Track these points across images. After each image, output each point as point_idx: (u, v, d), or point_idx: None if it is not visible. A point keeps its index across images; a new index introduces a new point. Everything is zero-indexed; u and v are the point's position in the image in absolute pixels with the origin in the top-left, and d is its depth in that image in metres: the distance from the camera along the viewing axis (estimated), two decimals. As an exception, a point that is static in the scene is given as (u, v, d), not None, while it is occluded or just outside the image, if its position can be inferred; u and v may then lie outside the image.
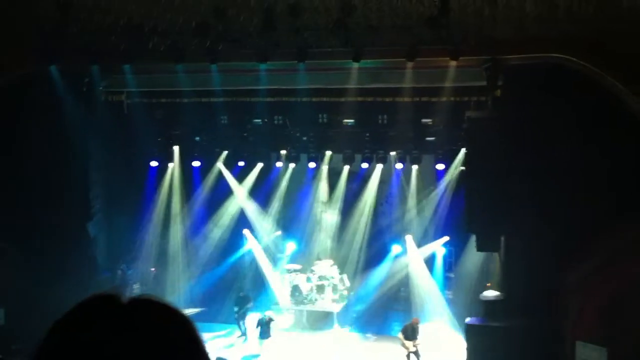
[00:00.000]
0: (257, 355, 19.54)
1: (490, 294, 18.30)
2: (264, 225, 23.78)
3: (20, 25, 16.20)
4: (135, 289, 23.11)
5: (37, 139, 18.65)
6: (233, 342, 20.97)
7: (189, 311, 22.80)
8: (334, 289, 22.63)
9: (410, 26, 13.99)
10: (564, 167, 15.47)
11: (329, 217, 23.72)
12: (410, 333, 18.44)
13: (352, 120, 19.36)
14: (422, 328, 18.93)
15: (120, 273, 22.75)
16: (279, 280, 23.40)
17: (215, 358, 18.13)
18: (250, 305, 21.11)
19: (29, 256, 19.46)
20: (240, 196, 23.45)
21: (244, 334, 21.08)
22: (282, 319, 22.12)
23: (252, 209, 23.60)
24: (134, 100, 19.82)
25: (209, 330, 21.76)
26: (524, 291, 16.83)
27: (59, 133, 18.64)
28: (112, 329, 1.83)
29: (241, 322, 21.15)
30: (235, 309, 21.28)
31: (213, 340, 20.96)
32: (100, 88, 19.48)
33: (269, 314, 19.90)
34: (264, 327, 19.46)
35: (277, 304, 22.81)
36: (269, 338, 19.47)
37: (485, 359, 17.03)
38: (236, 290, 22.32)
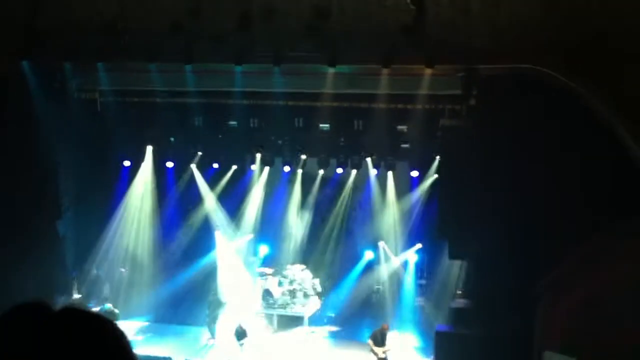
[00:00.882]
0: (225, 359, 19.41)
1: (460, 301, 18.37)
2: (237, 228, 23.63)
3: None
4: (105, 290, 22.90)
5: (6, 135, 18.35)
6: (202, 345, 20.80)
7: (159, 313, 22.71)
8: (305, 293, 22.57)
9: (386, 33, 13.96)
10: (536, 176, 15.53)
11: (303, 221, 23.65)
12: (380, 339, 18.47)
13: (327, 125, 19.31)
14: (391, 335, 18.96)
15: (93, 273, 22.53)
16: (250, 284, 23.27)
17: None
18: (222, 309, 20.95)
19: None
20: (213, 198, 23.30)
21: (213, 337, 20.91)
22: (252, 322, 22.00)
23: (224, 211, 23.45)
24: (108, 99, 19.54)
25: (180, 333, 21.63)
26: (493, 300, 16.88)
27: (29, 130, 18.35)
28: (40, 339, 1.82)
29: (212, 326, 20.99)
30: (207, 311, 21.09)
31: (183, 342, 20.83)
32: (73, 86, 19.20)
33: (242, 324, 19.75)
34: (239, 335, 19.37)
35: (248, 307, 22.68)
36: (242, 343, 19.37)
37: (452, 366, 17.05)
38: (207, 293, 22.16)
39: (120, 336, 1.98)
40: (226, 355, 19.54)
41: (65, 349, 1.82)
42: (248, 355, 19.44)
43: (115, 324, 2.01)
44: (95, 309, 21.25)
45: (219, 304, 21.03)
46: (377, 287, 22.80)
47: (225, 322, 20.45)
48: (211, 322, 21.00)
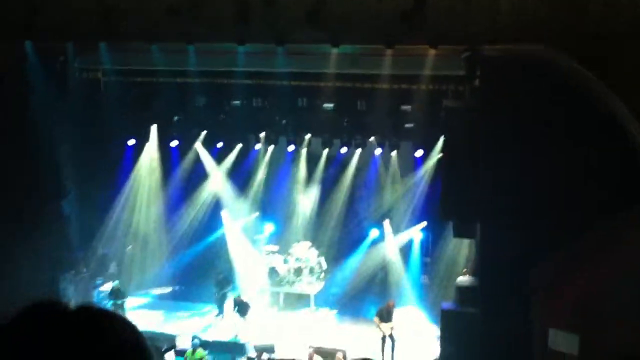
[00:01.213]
0: (233, 336, 19.58)
1: (466, 279, 18.38)
2: (242, 206, 23.68)
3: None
4: (112, 268, 23.09)
5: (8, 115, 18.35)
6: (210, 322, 20.98)
7: (166, 291, 22.91)
8: (311, 271, 22.67)
9: (387, 15, 13.78)
10: (540, 157, 15.44)
11: (307, 200, 23.67)
12: (386, 316, 18.56)
13: (331, 105, 19.22)
14: (397, 311, 19.04)
15: (99, 251, 22.69)
16: (256, 262, 23.38)
17: (191, 336, 18.23)
18: (230, 287, 21.09)
19: (3, 233, 19.29)
20: (218, 177, 23.32)
21: (220, 313, 21.08)
22: (258, 299, 22.17)
23: (230, 190, 23.48)
24: (110, 79, 19.55)
25: (187, 309, 21.84)
26: (498, 278, 16.86)
27: (32, 110, 18.35)
28: (56, 338, 1.82)
29: (221, 303, 21.17)
30: (215, 290, 21.23)
31: (191, 319, 21.04)
32: (76, 65, 19.14)
33: (239, 297, 20.02)
34: (241, 308, 19.56)
35: (254, 284, 22.82)
36: (246, 317, 19.58)
37: (459, 344, 17.10)
38: (215, 271, 22.28)
39: (137, 335, 1.97)
40: (234, 331, 19.70)
41: (80, 348, 1.82)
42: (254, 332, 19.58)
43: (131, 323, 2.01)
44: (105, 286, 21.55)
45: (227, 283, 21.17)
46: (382, 265, 22.84)
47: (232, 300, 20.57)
48: (220, 300, 21.13)
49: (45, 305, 1.94)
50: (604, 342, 14.29)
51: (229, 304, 20.85)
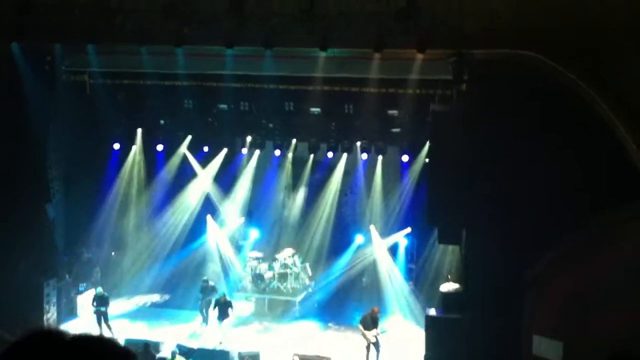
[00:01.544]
0: (217, 343, 19.40)
1: (450, 286, 18.41)
2: (228, 212, 23.59)
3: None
4: (96, 273, 22.87)
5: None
6: (195, 330, 20.78)
7: (151, 297, 22.71)
8: (296, 277, 22.62)
9: (378, 18, 13.91)
10: (527, 163, 15.56)
11: (293, 205, 23.63)
12: (370, 323, 18.45)
13: (318, 109, 19.26)
14: (388, 319, 18.98)
15: (84, 256, 22.48)
16: (240, 268, 23.29)
17: (175, 345, 18.06)
18: (215, 294, 20.92)
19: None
20: (204, 181, 23.24)
21: (205, 320, 20.92)
22: (244, 306, 22.06)
23: (215, 194, 23.40)
24: (97, 81, 19.44)
25: (171, 316, 21.63)
26: (483, 284, 16.94)
27: (18, 112, 18.23)
28: None
29: (204, 310, 20.98)
30: (200, 296, 21.10)
31: (175, 326, 20.84)
32: (63, 67, 19.05)
33: (223, 296, 19.79)
34: (221, 309, 19.40)
35: (239, 291, 22.71)
36: (228, 319, 19.39)
37: (443, 351, 17.11)
38: (200, 277, 22.14)
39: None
40: (218, 339, 19.53)
41: None
42: (239, 339, 19.44)
43: (128, 350, 2.10)
44: (88, 292, 21.34)
45: (211, 289, 20.97)
46: (367, 271, 22.81)
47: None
48: (204, 307, 20.97)
49: (42, 335, 1.97)
50: (588, 341, 14.40)
51: (213, 310, 20.70)
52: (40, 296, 19.62)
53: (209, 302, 20.76)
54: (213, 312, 19.88)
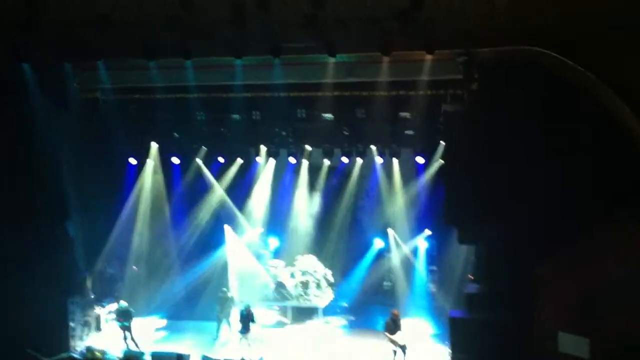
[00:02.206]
0: (240, 357, 19.31)
1: (473, 286, 18.27)
2: (246, 221, 23.60)
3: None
4: (119, 289, 23.00)
5: (9, 138, 18.41)
6: (219, 341, 20.75)
7: (173, 310, 22.76)
8: (318, 284, 22.58)
9: (383, 20, 13.82)
10: (541, 160, 15.40)
11: (311, 212, 23.58)
12: (393, 326, 18.33)
13: (330, 115, 19.20)
14: (403, 321, 18.82)
15: (107, 272, 22.62)
16: (262, 277, 23.28)
17: (200, 357, 18.08)
18: (233, 305, 20.88)
19: (8, 258, 19.26)
20: (220, 192, 23.27)
21: (218, 332, 20.85)
22: (266, 314, 22.03)
23: (232, 205, 23.43)
24: (109, 97, 19.54)
25: (195, 329, 21.64)
26: (505, 283, 16.80)
27: (33, 132, 18.37)
28: None
29: (224, 321, 20.94)
30: (218, 307, 21.07)
31: (198, 338, 20.85)
32: (75, 85, 19.16)
33: (248, 308, 19.66)
34: (244, 321, 19.32)
35: (261, 300, 22.68)
36: (249, 333, 19.31)
37: (468, 352, 17.01)
38: (217, 288, 22.15)
39: None
40: (241, 350, 19.47)
41: None
42: (263, 348, 19.39)
43: None
44: (112, 308, 21.47)
45: (229, 300, 20.95)
46: (388, 275, 22.71)
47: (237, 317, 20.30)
48: (223, 319, 20.94)
49: None
50: (612, 336, 14.22)
51: (233, 319, 20.65)
52: (64, 313, 19.76)
53: (228, 314, 20.70)
54: (236, 325, 19.81)
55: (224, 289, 21.35)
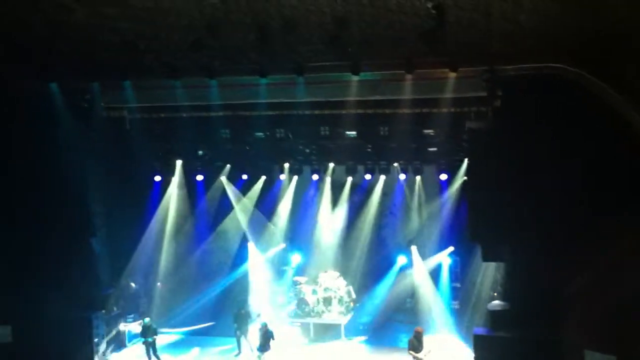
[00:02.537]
0: None
1: (497, 304, 18.18)
2: (269, 238, 23.70)
3: (18, 42, 16.20)
4: (143, 304, 23.17)
5: (37, 157, 18.66)
6: (238, 356, 20.78)
7: (197, 326, 22.83)
8: (340, 300, 22.59)
9: (407, 39, 13.90)
10: (565, 176, 15.34)
11: (334, 228, 23.63)
12: (417, 344, 18.22)
13: (353, 132, 19.28)
14: (427, 338, 18.71)
15: (131, 287, 22.79)
16: (284, 294, 23.32)
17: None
18: (250, 322, 20.84)
19: (34, 274, 19.48)
20: (244, 210, 23.40)
21: (239, 348, 20.81)
22: (288, 331, 22.04)
23: (255, 222, 23.54)
24: (135, 116, 19.75)
25: (218, 344, 21.70)
26: (530, 300, 16.71)
27: (59, 150, 18.63)
28: None
29: (242, 338, 20.85)
30: (235, 325, 20.96)
31: (223, 355, 20.89)
32: (102, 104, 19.42)
33: (266, 326, 19.40)
34: (262, 340, 19.16)
35: (283, 316, 22.69)
36: (268, 351, 19.12)
37: (494, 369, 16.88)
38: (243, 303, 22.20)
39: None
40: None
41: None
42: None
43: None
44: (135, 323, 21.62)
45: (247, 317, 20.93)
46: (411, 292, 22.64)
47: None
48: (241, 336, 20.86)
49: None
50: (636, 353, 14.06)
51: (251, 337, 20.62)
52: (89, 329, 19.86)
53: (246, 331, 20.70)
54: (254, 341, 19.72)
55: (240, 306, 21.30)
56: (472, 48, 13.97)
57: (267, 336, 19.13)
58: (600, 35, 13.08)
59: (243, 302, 22.27)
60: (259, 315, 21.08)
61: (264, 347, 19.11)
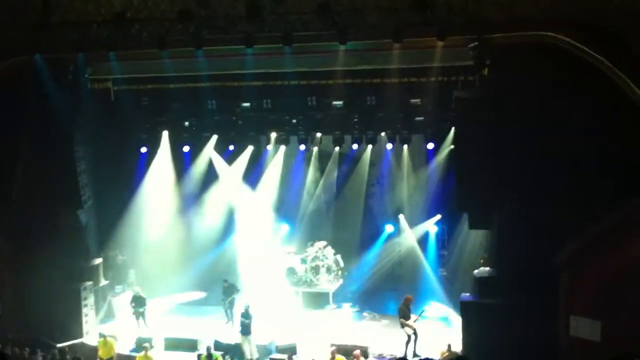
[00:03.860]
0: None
1: (484, 270, 18.39)
2: (256, 208, 23.70)
3: (2, 16, 15.99)
4: (131, 275, 23.22)
5: (22, 129, 18.53)
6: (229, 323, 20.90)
7: (186, 296, 22.93)
8: (328, 269, 22.75)
9: (395, 7, 13.85)
10: (553, 145, 15.45)
11: (321, 198, 23.68)
12: (407, 312, 18.40)
13: (340, 102, 19.26)
14: (417, 305, 18.90)
15: (119, 259, 22.82)
16: (272, 264, 23.41)
17: (213, 341, 18.27)
18: (237, 294, 20.89)
19: (22, 246, 19.48)
20: (231, 180, 23.37)
21: (230, 319, 20.88)
22: (277, 300, 22.19)
23: (243, 192, 23.52)
24: (121, 87, 19.63)
25: (207, 314, 21.80)
26: (516, 267, 16.92)
27: (45, 122, 18.50)
28: None
29: (229, 310, 20.98)
30: (223, 297, 21.09)
31: (212, 323, 21.00)
32: (86, 76, 19.25)
33: (248, 309, 18.88)
34: (245, 323, 18.63)
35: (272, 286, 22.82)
36: (250, 335, 18.61)
37: (480, 335, 17.13)
38: (232, 274, 22.30)
39: None
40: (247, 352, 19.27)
41: None
42: (273, 333, 19.48)
43: None
44: (125, 293, 21.68)
45: (234, 289, 20.95)
46: (399, 260, 22.83)
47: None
48: (228, 307, 20.95)
49: None
50: (625, 321, 14.29)
51: (237, 309, 20.47)
52: (77, 301, 19.95)
53: (232, 302, 20.79)
54: (237, 323, 19.30)
55: (225, 279, 21.30)
56: (461, 16, 13.94)
57: (248, 319, 18.63)
58: (593, 3, 13.11)
59: (234, 272, 22.34)
60: (239, 290, 21.08)
61: (246, 330, 18.61)
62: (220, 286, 21.27)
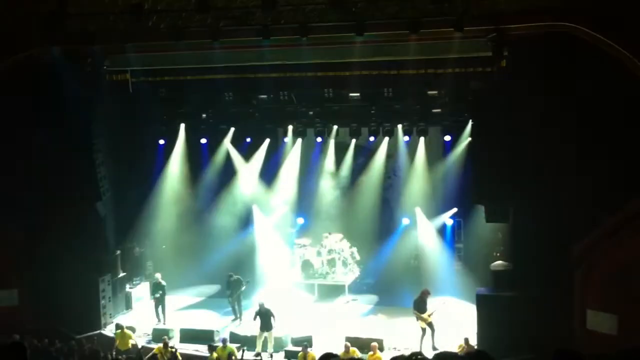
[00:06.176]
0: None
1: (500, 264, 18.34)
2: (273, 201, 23.75)
3: (20, 9, 16.11)
4: (149, 267, 23.38)
5: (41, 121, 18.67)
6: (236, 321, 20.80)
7: (203, 288, 23.04)
8: (344, 262, 22.74)
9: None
10: (571, 137, 15.35)
11: (338, 191, 23.67)
12: (423, 306, 18.36)
13: (357, 94, 19.20)
14: (432, 299, 18.86)
15: (136, 250, 22.96)
16: (289, 256, 23.46)
17: (228, 333, 18.34)
18: (243, 288, 20.77)
19: (41, 238, 19.67)
20: (249, 172, 23.43)
21: (237, 317, 20.77)
22: (293, 293, 22.25)
23: (260, 185, 23.58)
24: (139, 79, 19.63)
25: (222, 306, 21.84)
26: (533, 261, 16.88)
27: (63, 115, 18.63)
28: None
29: (235, 305, 20.83)
30: (228, 292, 20.94)
31: (228, 317, 21.08)
32: (105, 67, 19.34)
33: (263, 305, 18.60)
34: (264, 319, 18.39)
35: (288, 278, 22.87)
36: (272, 330, 18.39)
37: (496, 329, 17.10)
38: (250, 266, 22.36)
39: None
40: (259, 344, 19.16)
41: None
42: (289, 326, 19.52)
43: None
44: (142, 285, 21.82)
45: (239, 284, 20.80)
46: (415, 253, 22.78)
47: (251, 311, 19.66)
48: (235, 302, 20.84)
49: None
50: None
51: (244, 304, 20.68)
52: (96, 292, 20.14)
53: (240, 297, 20.79)
54: (255, 322, 18.74)
55: (230, 273, 21.17)
56: (478, 8, 13.86)
57: (267, 315, 18.41)
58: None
59: (244, 266, 22.31)
60: (248, 282, 21.04)
61: (267, 326, 18.37)
62: (243, 277, 21.14)
